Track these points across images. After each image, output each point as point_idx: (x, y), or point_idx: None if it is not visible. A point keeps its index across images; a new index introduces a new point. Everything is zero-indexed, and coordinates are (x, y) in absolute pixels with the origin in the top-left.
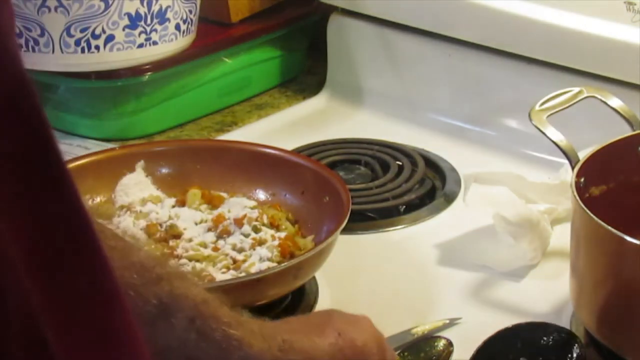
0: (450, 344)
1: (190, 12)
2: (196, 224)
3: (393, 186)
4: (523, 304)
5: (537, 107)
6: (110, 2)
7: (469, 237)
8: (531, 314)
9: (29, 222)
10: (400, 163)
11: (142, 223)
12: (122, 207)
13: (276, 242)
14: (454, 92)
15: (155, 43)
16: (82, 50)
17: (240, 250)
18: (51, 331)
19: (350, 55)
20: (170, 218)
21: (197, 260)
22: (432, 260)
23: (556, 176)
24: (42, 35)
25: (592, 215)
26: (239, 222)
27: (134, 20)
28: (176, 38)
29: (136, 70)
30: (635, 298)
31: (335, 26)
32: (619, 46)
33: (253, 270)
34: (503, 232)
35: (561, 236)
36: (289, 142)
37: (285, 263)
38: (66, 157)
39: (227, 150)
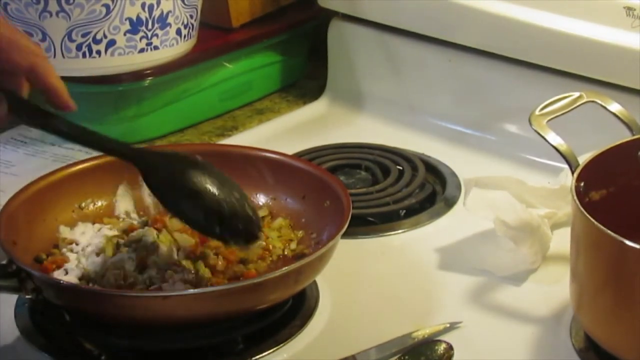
0: (450, 347)
1: (191, 17)
2: None
3: (393, 190)
4: (523, 308)
5: (537, 112)
6: (112, 7)
7: (470, 241)
8: (531, 318)
9: None
10: (400, 167)
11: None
12: (126, 212)
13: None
14: (454, 97)
15: (156, 48)
16: (84, 55)
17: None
18: None
19: (350, 60)
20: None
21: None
22: (433, 265)
23: (556, 181)
24: (43, 39)
25: (592, 219)
26: None
27: (135, 25)
28: (177, 43)
29: (137, 75)
30: (636, 302)
31: (336, 31)
32: (619, 51)
33: None
34: (503, 236)
35: (561, 240)
36: (290, 147)
37: (286, 267)
38: (68, 162)
39: (228, 154)
